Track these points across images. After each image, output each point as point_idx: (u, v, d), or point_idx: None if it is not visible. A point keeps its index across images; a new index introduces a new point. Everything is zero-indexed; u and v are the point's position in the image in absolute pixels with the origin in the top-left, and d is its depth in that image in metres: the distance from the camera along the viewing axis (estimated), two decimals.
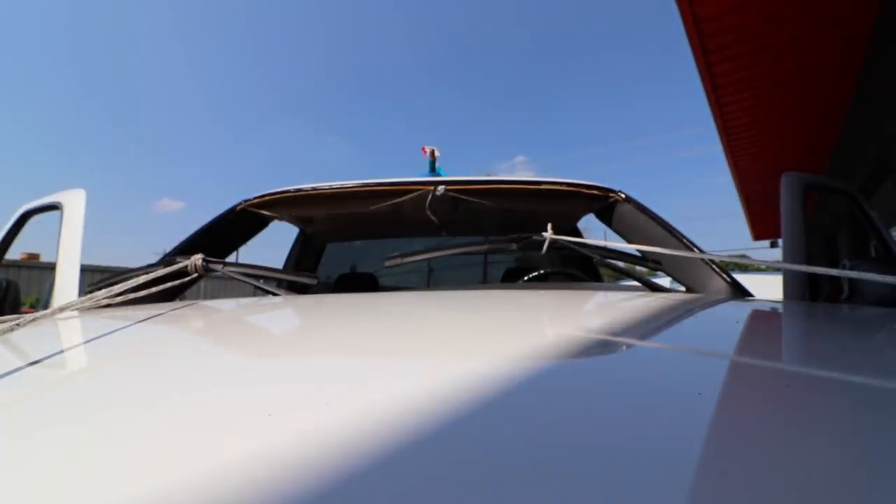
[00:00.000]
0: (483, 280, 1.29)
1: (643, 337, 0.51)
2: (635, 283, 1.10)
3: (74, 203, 1.03)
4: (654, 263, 1.11)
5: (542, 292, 0.96)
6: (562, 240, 0.93)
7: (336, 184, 1.47)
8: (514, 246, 0.95)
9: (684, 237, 1.20)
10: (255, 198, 1.49)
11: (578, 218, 1.55)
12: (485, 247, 0.95)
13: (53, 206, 1.08)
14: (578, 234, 1.72)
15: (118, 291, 0.72)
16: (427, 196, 1.50)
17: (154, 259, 1.03)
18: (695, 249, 1.13)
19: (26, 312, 0.65)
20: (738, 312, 0.72)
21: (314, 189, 1.47)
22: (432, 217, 1.48)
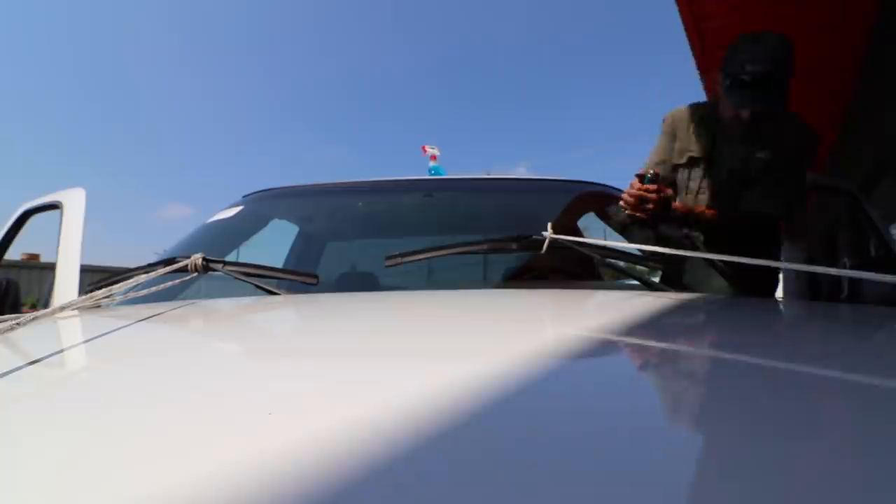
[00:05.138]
0: (483, 279, 1.29)
1: (643, 337, 0.51)
2: (635, 282, 1.10)
3: (75, 202, 1.03)
4: (655, 263, 1.11)
5: (541, 292, 0.96)
6: (562, 239, 0.93)
7: (336, 181, 1.48)
8: (514, 245, 0.95)
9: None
10: (255, 195, 1.49)
11: (578, 216, 1.55)
12: (485, 246, 0.95)
13: (53, 206, 1.07)
14: (579, 233, 1.71)
15: (118, 291, 0.72)
16: (427, 194, 1.50)
17: (155, 259, 1.03)
18: (695, 248, 1.13)
19: (26, 313, 0.65)
20: (738, 312, 0.72)
21: (314, 186, 1.48)
22: (432, 216, 1.48)
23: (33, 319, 0.58)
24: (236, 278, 0.87)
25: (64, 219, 1.01)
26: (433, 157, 2.03)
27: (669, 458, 0.22)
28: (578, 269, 1.30)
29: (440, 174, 1.94)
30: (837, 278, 0.90)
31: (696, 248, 1.22)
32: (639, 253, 1.06)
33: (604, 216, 1.44)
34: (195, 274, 0.85)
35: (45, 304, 1.00)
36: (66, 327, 0.65)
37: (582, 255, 0.96)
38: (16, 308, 1.00)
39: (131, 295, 0.83)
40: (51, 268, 0.97)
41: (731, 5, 3.39)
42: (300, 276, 0.92)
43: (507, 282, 1.18)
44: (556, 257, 1.15)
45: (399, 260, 0.90)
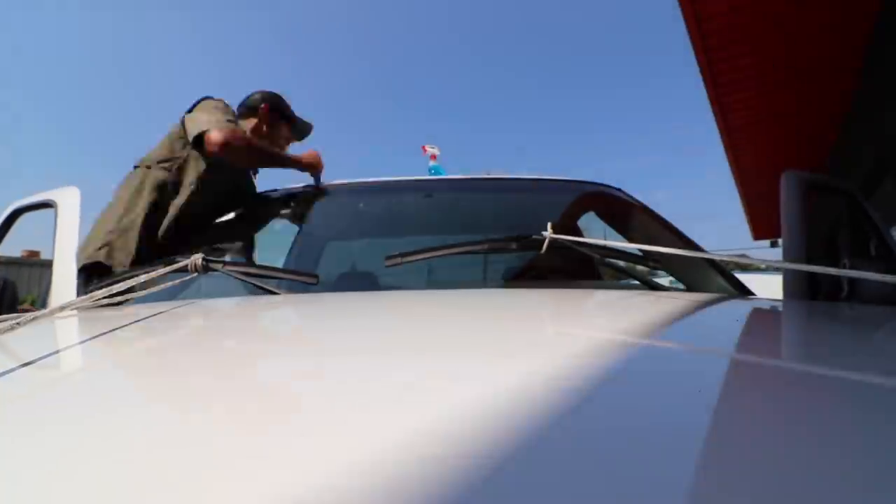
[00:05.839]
0: (483, 279, 1.29)
1: (644, 336, 0.51)
2: (635, 282, 1.10)
3: (69, 201, 1.02)
4: (655, 262, 1.11)
5: (541, 292, 0.96)
6: (562, 239, 0.93)
7: (336, 182, 1.48)
8: (514, 245, 0.94)
9: (684, 235, 1.20)
10: (255, 194, 1.49)
11: (578, 216, 1.55)
12: (485, 246, 0.95)
13: (46, 204, 1.07)
14: (579, 233, 1.72)
15: (118, 291, 0.72)
16: (427, 194, 1.50)
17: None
18: (695, 248, 1.13)
19: (26, 310, 0.65)
20: (738, 311, 0.72)
21: (314, 187, 1.48)
22: (432, 216, 1.48)
23: (33, 319, 0.58)
24: (236, 278, 0.87)
25: (59, 218, 1.01)
26: (433, 157, 2.04)
27: (671, 459, 0.22)
28: (578, 269, 1.31)
29: (440, 174, 1.94)
30: (837, 278, 0.89)
31: None
32: (639, 253, 1.06)
33: (604, 216, 1.44)
34: (195, 274, 0.85)
35: (43, 303, 1.00)
36: (66, 327, 0.65)
37: (582, 255, 0.96)
38: (13, 308, 1.00)
39: (132, 294, 0.83)
40: (50, 265, 0.97)
41: (732, 5, 3.39)
42: (300, 276, 0.92)
43: (508, 282, 1.18)
44: (556, 257, 1.15)
45: (399, 260, 0.90)
